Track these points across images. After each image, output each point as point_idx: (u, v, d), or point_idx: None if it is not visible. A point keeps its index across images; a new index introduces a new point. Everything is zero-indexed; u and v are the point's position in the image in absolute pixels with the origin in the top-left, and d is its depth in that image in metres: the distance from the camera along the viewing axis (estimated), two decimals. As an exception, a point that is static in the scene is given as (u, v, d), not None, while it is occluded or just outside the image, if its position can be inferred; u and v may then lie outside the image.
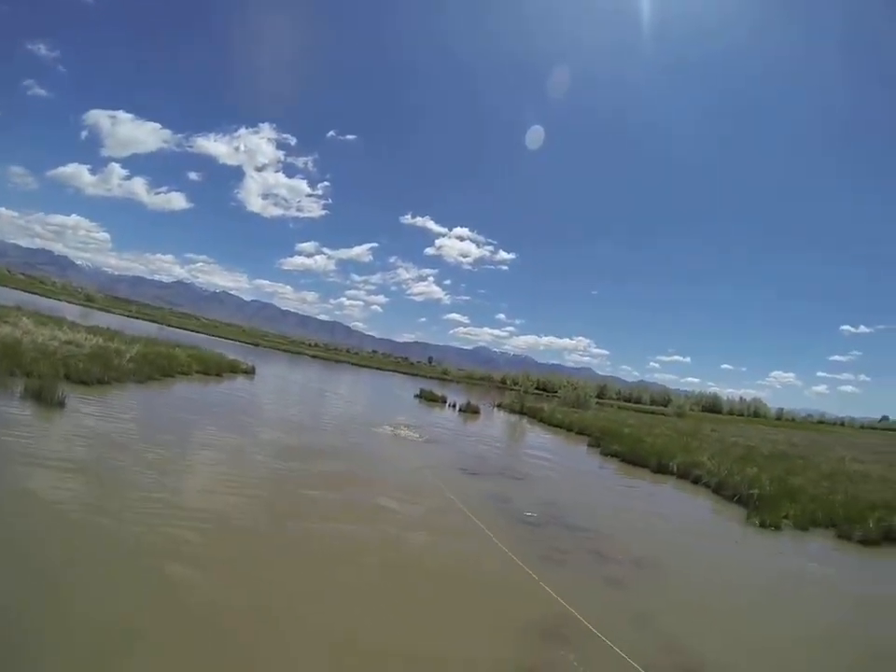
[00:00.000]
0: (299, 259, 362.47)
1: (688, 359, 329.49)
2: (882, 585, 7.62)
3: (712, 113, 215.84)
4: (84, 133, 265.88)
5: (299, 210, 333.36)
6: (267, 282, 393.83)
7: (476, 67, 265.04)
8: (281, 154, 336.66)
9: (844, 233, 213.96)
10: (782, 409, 77.88)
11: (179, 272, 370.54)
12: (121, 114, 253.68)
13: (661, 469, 14.49)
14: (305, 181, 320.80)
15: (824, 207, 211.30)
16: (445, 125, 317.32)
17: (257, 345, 57.85)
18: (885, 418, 73.37)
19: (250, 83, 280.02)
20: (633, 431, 21.03)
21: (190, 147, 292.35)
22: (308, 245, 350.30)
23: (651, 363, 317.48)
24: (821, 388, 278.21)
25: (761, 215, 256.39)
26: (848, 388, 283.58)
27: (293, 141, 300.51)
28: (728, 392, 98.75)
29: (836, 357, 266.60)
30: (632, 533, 8.29)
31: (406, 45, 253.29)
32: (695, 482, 13.22)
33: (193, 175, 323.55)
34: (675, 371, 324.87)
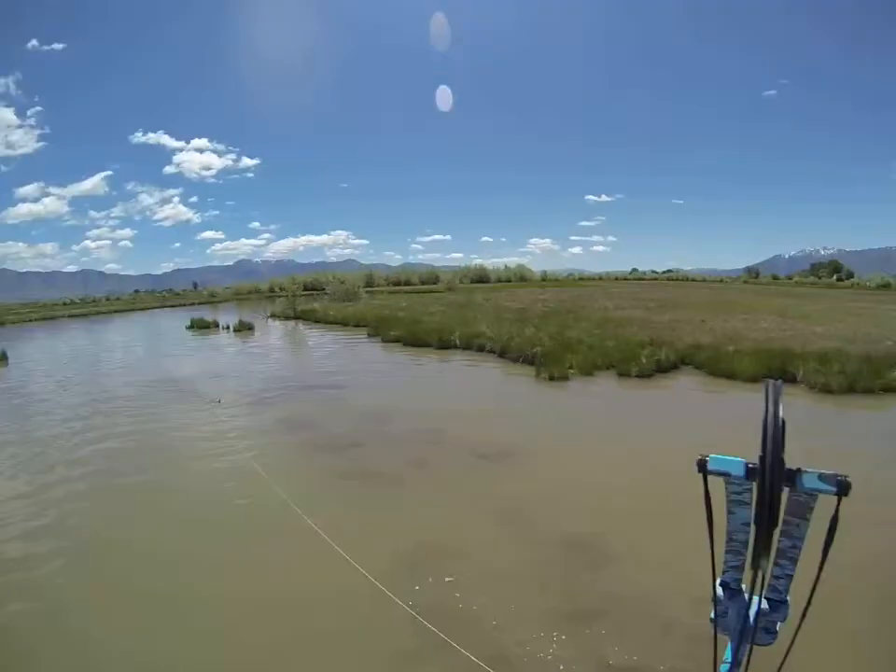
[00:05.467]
0: (24, 208, 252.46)
1: (448, 237, 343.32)
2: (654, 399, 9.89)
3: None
4: None
5: (9, 147, 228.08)
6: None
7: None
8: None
9: (580, 114, 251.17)
10: (545, 271, 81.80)
11: None
12: None
13: (444, 345, 15.00)
14: (10, 109, 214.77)
15: (557, 88, 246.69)
16: (170, 25, 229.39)
17: (3, 325, 41.31)
18: (634, 270, 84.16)
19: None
20: (408, 314, 21.24)
21: None
22: (31, 189, 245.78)
23: (413, 245, 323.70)
24: (577, 250, 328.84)
25: (500, 95, 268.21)
26: (600, 248, 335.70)
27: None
28: (493, 262, 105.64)
29: (585, 223, 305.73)
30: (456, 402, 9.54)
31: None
32: (480, 350, 14.13)
33: None
34: (438, 249, 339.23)
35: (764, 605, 0.94)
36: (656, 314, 19.69)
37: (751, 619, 0.92)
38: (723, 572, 0.99)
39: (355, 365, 14.13)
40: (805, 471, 0.78)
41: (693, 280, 69.43)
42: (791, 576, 0.91)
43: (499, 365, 12.78)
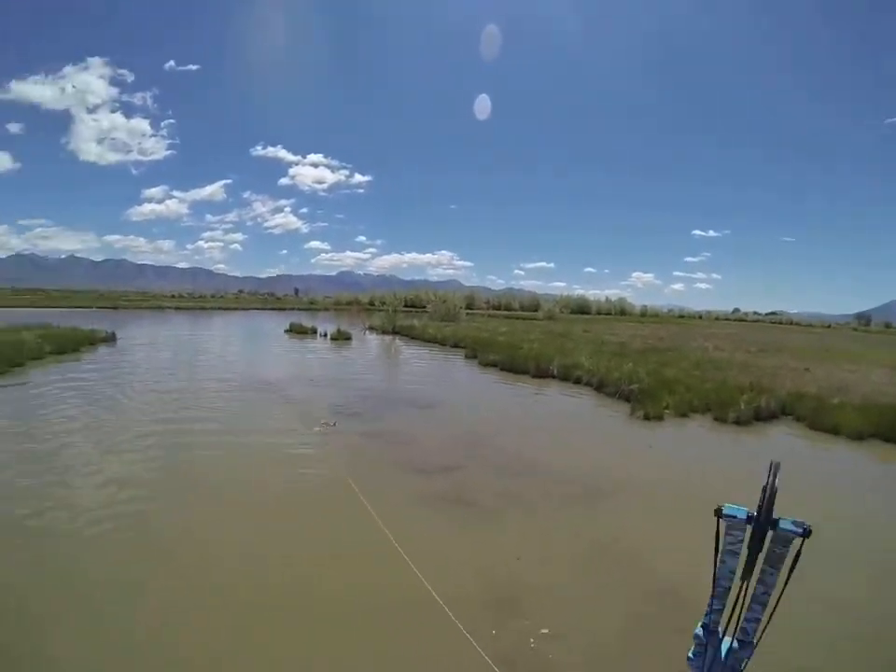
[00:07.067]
0: (148, 207, 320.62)
1: (552, 265, 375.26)
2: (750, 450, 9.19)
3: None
4: None
5: (141, 153, 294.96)
6: (117, 237, 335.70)
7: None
8: (115, 92, 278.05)
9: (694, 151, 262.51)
10: (646, 306, 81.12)
11: (16, 243, 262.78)
12: None
13: (541, 374, 15.21)
14: (147, 120, 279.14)
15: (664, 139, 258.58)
16: (296, 50, 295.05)
17: (116, 308, 50.37)
18: (737, 310, 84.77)
19: (71, 13, 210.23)
20: (508, 339, 21.89)
21: (6, 94, 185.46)
22: (156, 191, 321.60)
23: (517, 270, 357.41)
24: (679, 286, 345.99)
25: (605, 140, 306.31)
26: (703, 286, 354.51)
27: (130, 77, 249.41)
28: (593, 293, 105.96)
29: (689, 259, 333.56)
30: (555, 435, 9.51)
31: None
32: (577, 382, 14.27)
33: (14, 128, 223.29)
34: (540, 276, 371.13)
35: (736, 644, 1.07)
36: (757, 358, 19.23)
37: (723, 656, 1.05)
38: (706, 614, 1.10)
39: (451, 385, 14.78)
40: (783, 518, 0.93)
41: (798, 324, 66.74)
42: (760, 619, 1.02)
43: (595, 398, 12.84)
